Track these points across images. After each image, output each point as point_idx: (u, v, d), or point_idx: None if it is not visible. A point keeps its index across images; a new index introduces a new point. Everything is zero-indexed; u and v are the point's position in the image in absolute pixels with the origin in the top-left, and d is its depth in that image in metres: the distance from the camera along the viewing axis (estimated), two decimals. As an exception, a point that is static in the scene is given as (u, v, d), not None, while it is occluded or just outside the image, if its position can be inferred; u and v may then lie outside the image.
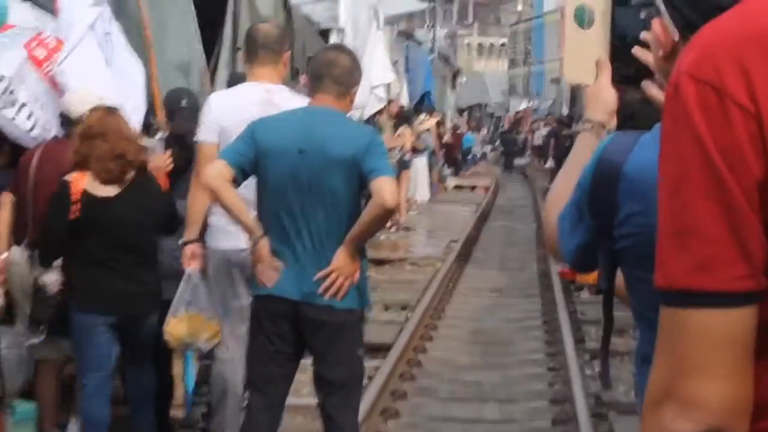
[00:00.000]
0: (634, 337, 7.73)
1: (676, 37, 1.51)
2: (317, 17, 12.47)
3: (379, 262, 12.58)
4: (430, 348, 8.79)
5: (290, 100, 4.88)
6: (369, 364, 6.26)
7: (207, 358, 5.66)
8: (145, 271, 5.13)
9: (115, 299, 5.02)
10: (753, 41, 1.25)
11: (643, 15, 1.71)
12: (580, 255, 1.98)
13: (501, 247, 16.23)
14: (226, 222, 4.66)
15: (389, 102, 17.20)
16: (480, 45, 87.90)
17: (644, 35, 1.64)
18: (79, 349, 5.12)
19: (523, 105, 55.28)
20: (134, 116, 5.62)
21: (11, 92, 5.55)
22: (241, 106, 4.86)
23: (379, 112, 16.30)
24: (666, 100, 1.31)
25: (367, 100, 13.52)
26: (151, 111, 6.31)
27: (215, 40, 8.45)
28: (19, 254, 5.28)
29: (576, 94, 27.50)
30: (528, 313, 10.53)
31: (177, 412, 6.00)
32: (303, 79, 8.14)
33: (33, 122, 5.61)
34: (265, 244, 4.32)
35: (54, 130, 5.60)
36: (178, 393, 5.98)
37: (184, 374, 5.89)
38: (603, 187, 1.84)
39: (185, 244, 5.10)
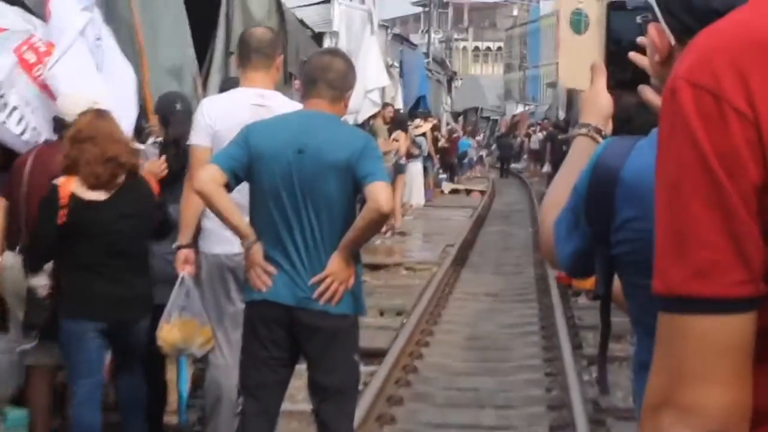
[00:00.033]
0: (631, 342, 7.71)
1: (673, 41, 1.50)
2: (311, 21, 12.47)
3: (375, 267, 12.56)
4: (426, 353, 8.75)
5: (283, 105, 4.87)
6: (364, 369, 6.23)
7: (201, 363, 5.64)
8: (136, 276, 5.09)
9: (104, 304, 4.98)
10: (751, 46, 1.25)
11: (638, 20, 1.70)
12: (576, 260, 1.97)
13: (497, 251, 16.22)
14: (219, 226, 4.63)
15: (384, 106, 17.22)
16: (476, 49, 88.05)
17: (640, 40, 1.63)
18: (68, 356, 5.09)
19: (519, 109, 55.30)
20: (125, 121, 5.60)
21: (1, 96, 5.52)
22: (233, 111, 4.84)
23: (374, 116, 16.32)
24: (663, 105, 1.31)
25: (362, 104, 13.53)
26: (142, 115, 6.29)
27: (208, 45, 8.44)
28: (12, 259, 5.25)
29: (572, 98, 27.56)
30: (525, 318, 10.50)
31: (171, 418, 5.98)
32: (296, 83, 8.13)
33: (24, 126, 5.59)
34: (258, 249, 4.30)
35: (45, 134, 5.57)
36: (172, 399, 5.96)
37: (178, 380, 5.87)
38: (600, 192, 1.83)
39: (179, 248, 5.09)
